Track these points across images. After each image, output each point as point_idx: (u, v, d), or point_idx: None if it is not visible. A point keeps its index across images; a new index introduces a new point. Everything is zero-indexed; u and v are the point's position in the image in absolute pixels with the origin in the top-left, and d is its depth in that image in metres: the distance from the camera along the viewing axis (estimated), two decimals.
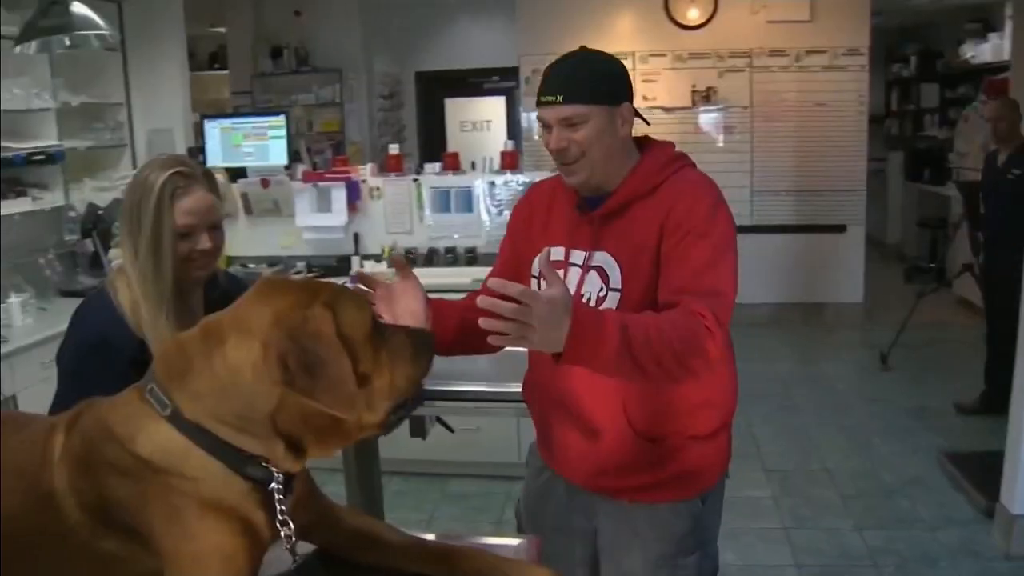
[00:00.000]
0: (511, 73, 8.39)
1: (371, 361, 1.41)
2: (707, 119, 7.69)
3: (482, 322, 1.57)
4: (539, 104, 1.98)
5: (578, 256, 2.06)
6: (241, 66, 8.86)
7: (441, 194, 5.31)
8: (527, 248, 2.17)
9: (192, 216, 2.06)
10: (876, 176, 9.85)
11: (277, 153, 5.37)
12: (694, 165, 2.08)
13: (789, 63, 7.53)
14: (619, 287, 1.98)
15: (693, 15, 7.58)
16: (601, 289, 2.01)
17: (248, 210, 5.36)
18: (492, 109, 10.13)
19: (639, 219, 1.98)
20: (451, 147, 8.80)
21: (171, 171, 2.07)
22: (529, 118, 7.89)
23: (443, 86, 10.04)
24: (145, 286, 2.07)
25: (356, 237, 5.34)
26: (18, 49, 3.38)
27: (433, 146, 9.15)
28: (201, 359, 1.38)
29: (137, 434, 1.36)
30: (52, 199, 4.79)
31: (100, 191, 5.18)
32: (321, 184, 5.30)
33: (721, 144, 7.67)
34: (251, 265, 5.26)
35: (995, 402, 5.00)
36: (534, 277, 2.11)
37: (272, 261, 5.31)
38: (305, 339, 1.34)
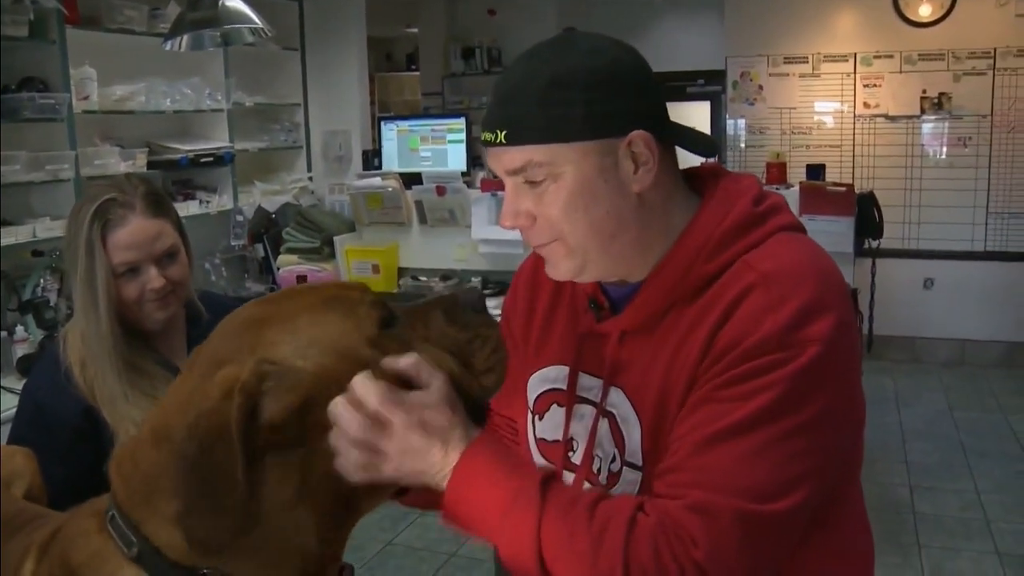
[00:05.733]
0: (717, 76, 7.76)
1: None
2: (937, 129, 6.82)
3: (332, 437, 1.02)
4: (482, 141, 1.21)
5: (590, 385, 1.28)
6: (432, 67, 8.67)
7: None
8: (519, 357, 1.40)
9: (132, 251, 1.71)
10: None
11: (456, 158, 5.05)
12: (794, 226, 1.22)
13: None
14: (638, 461, 1.20)
15: (926, 11, 6.72)
16: (614, 459, 1.23)
17: (422, 219, 5.03)
18: (695, 115, 9.48)
19: (677, 337, 1.16)
20: None
21: (101, 200, 1.71)
22: (735, 125, 7.25)
23: None
24: (86, 339, 1.73)
25: None
26: (168, 46, 3.13)
27: None
28: (162, 472, 1.01)
29: None
30: (220, 203, 4.63)
31: (271, 195, 5.01)
32: (501, 194, 4.88)
33: (950, 158, 6.77)
34: (423, 278, 4.93)
35: None
36: (533, 412, 1.38)
37: (446, 274, 4.95)
38: (201, 454, 0.96)
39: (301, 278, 4.63)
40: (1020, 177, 6.67)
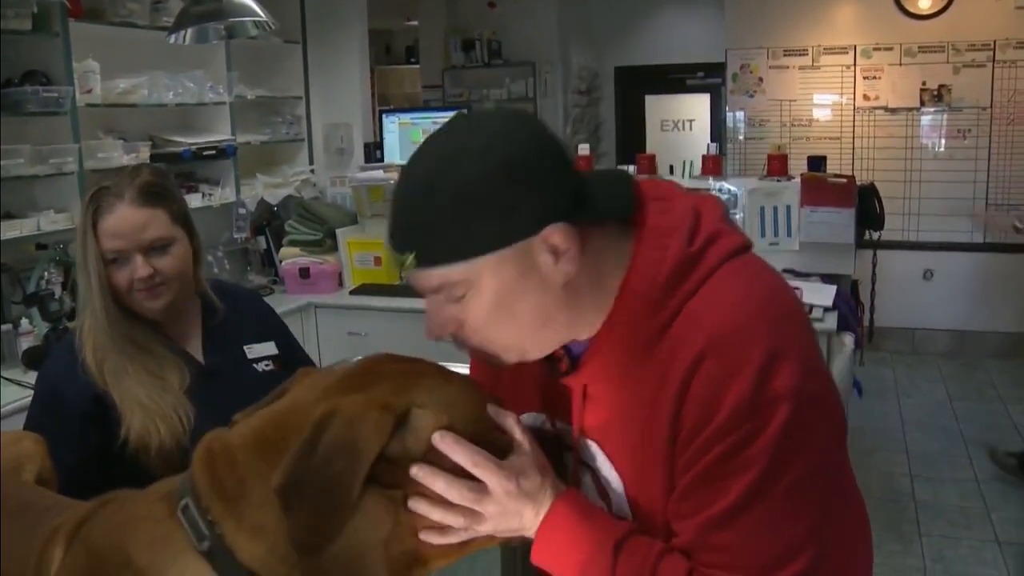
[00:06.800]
0: (717, 69, 7.77)
1: None
2: (937, 121, 6.83)
3: (412, 503, 1.06)
4: None
5: (567, 431, 1.27)
6: (432, 59, 8.67)
7: None
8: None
9: (118, 239, 1.74)
10: None
11: None
12: (732, 251, 1.15)
13: None
14: (627, 515, 1.20)
15: (925, 3, 6.73)
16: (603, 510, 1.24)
17: None
18: (695, 107, 9.52)
19: (645, 394, 1.13)
20: (650, 147, 8.29)
21: (96, 188, 1.75)
22: (735, 118, 7.26)
23: (643, 82, 9.50)
24: (92, 326, 1.77)
25: None
26: (172, 39, 3.14)
27: (632, 145, 8.63)
28: (262, 479, 1.02)
29: (166, 569, 1.02)
30: (223, 195, 4.64)
31: (273, 188, 5.01)
32: None
33: (949, 150, 6.78)
34: None
35: None
36: None
37: None
38: (328, 448, 1.00)
39: (304, 270, 4.65)
40: (1019, 169, 6.68)
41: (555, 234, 1.07)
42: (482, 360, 1.21)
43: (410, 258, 1.08)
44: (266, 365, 1.93)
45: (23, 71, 3.65)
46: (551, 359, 1.23)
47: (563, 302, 1.12)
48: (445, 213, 1.05)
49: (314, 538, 1.00)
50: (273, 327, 2.06)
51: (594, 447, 1.21)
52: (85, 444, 1.74)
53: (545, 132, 1.12)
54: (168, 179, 1.87)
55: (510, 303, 1.10)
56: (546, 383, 1.27)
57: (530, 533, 1.13)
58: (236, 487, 1.04)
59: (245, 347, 1.93)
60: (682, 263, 1.12)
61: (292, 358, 1.98)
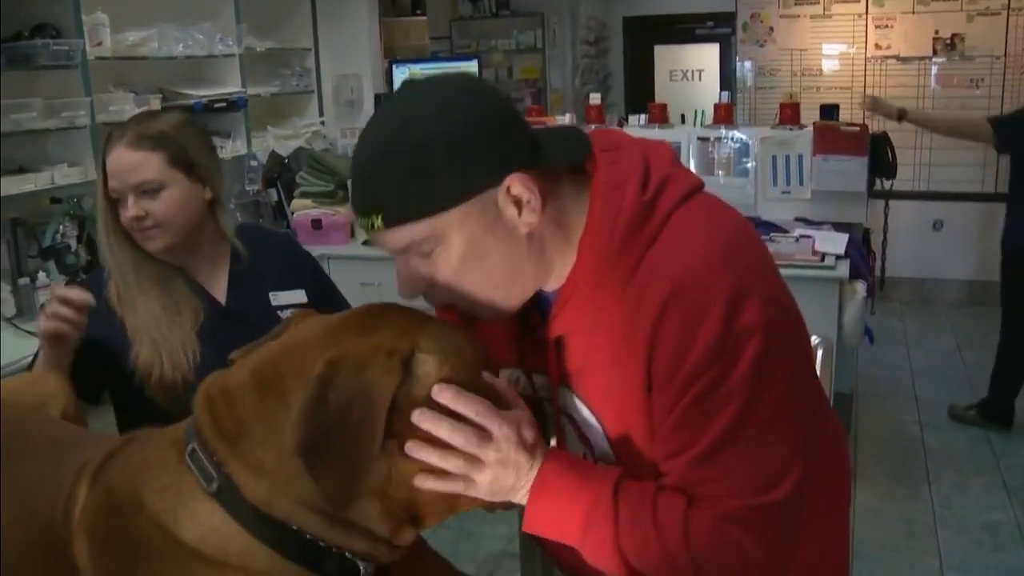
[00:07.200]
0: (727, 19, 7.70)
1: None
2: (950, 71, 6.76)
3: (410, 447, 1.05)
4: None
5: (545, 384, 1.30)
6: (440, 10, 8.59)
7: None
8: None
9: (113, 179, 1.79)
10: None
11: None
12: (685, 194, 1.18)
13: None
14: (610, 456, 1.24)
15: None
16: (584, 455, 1.28)
17: None
18: (705, 57, 9.44)
19: (616, 343, 1.15)
20: (659, 97, 8.22)
21: (109, 131, 1.83)
22: (744, 68, 7.20)
23: (652, 32, 9.42)
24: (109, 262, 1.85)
25: None
26: None
27: (640, 96, 8.58)
28: (260, 419, 1.05)
29: (178, 513, 1.04)
30: (234, 148, 4.63)
31: (283, 140, 5.01)
32: None
33: (962, 100, 6.71)
34: None
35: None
36: None
37: None
38: (341, 399, 1.00)
39: (315, 222, 4.66)
40: None
41: (516, 183, 1.10)
42: (457, 317, 1.25)
43: (377, 219, 1.11)
44: (291, 313, 1.95)
45: (33, 25, 3.64)
46: (523, 314, 1.25)
47: (530, 253, 1.16)
48: (406, 171, 1.08)
49: (347, 492, 1.02)
50: (304, 274, 2.06)
51: (572, 395, 1.25)
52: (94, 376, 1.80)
53: (495, 90, 1.17)
54: (178, 125, 1.84)
55: (478, 256, 1.13)
56: (519, 338, 1.30)
57: (519, 495, 1.13)
58: (236, 427, 1.06)
59: (271, 294, 1.95)
60: (637, 213, 1.15)
61: (322, 307, 2.00)
